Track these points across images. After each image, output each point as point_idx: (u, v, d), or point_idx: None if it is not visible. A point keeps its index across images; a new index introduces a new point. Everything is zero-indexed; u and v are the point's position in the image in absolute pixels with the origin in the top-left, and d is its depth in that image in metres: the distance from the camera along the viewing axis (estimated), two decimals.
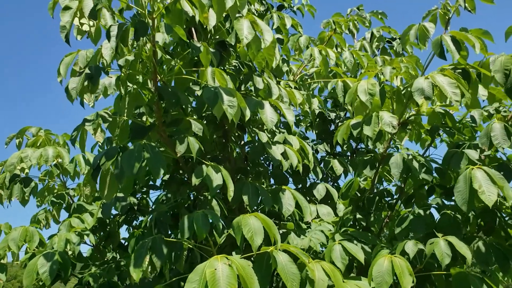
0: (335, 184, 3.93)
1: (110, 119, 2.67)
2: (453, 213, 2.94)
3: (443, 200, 3.12)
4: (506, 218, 3.02)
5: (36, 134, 3.68)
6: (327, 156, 3.89)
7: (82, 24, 2.28)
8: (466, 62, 2.86)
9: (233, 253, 2.81)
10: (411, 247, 2.57)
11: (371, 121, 2.76)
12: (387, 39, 4.28)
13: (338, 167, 3.64)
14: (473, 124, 3.17)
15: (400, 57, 4.09)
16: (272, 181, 3.69)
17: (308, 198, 3.56)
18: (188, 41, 2.62)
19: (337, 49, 4.00)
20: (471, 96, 2.85)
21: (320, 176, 3.62)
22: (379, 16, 4.31)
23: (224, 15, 2.99)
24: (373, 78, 2.97)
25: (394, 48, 4.16)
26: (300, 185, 3.78)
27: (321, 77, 3.82)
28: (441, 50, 2.80)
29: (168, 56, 2.79)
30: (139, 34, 2.29)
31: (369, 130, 2.75)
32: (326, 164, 3.72)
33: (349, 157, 4.07)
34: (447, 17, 3.02)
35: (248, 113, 2.57)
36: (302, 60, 4.01)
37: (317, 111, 3.74)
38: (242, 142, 3.61)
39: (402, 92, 2.94)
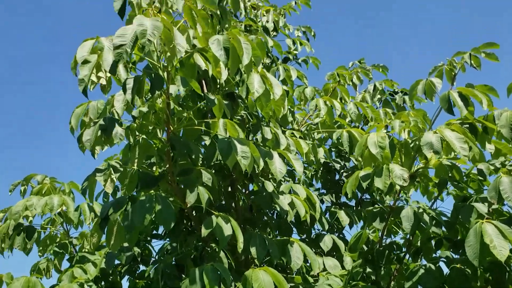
0: (340, 235, 3.89)
1: (121, 169, 2.67)
2: (462, 267, 2.92)
3: (451, 253, 3.10)
4: None
5: (41, 181, 3.66)
6: (333, 206, 3.87)
7: (99, 78, 2.31)
8: (473, 117, 2.91)
9: None
10: None
11: (382, 174, 2.77)
12: (389, 92, 4.36)
13: (344, 218, 3.62)
14: (480, 178, 3.18)
15: (402, 110, 4.17)
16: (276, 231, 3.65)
17: (314, 250, 3.51)
18: (202, 94, 2.66)
19: (341, 100, 4.06)
20: (478, 150, 2.89)
21: (327, 227, 3.59)
22: (381, 70, 4.41)
23: None
24: (381, 131, 3.00)
25: (396, 101, 4.24)
26: (305, 236, 3.74)
27: (325, 127, 3.87)
28: (449, 106, 2.86)
29: (179, 108, 2.82)
30: (155, 88, 2.33)
31: (381, 182, 2.75)
32: (332, 215, 3.70)
33: (354, 208, 4.06)
34: (453, 73, 3.10)
35: (261, 163, 2.59)
36: (306, 110, 4.07)
37: (322, 161, 3.75)
38: (247, 191, 3.60)
39: (411, 145, 2.97)
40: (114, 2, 2.38)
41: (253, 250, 2.78)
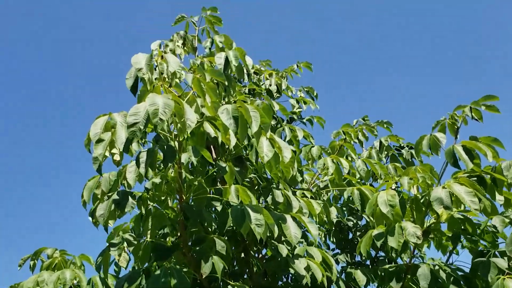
0: None
1: (135, 242, 2.66)
2: None
3: None
4: None
5: (51, 255, 3.62)
6: (348, 266, 3.81)
7: (113, 155, 2.36)
8: (480, 169, 2.94)
9: None
10: None
11: (395, 232, 2.76)
12: (395, 147, 4.41)
13: (361, 278, 3.54)
14: (494, 230, 3.16)
15: (410, 164, 4.20)
16: None
17: None
18: (213, 161, 2.71)
19: (347, 158, 4.10)
20: (488, 201, 2.89)
21: None
22: (385, 126, 4.49)
23: None
24: (391, 188, 3.02)
25: (404, 156, 4.28)
26: None
27: (334, 185, 3.88)
28: (454, 160, 2.90)
29: (191, 176, 2.85)
30: (168, 160, 2.37)
31: (394, 241, 2.74)
32: (348, 275, 3.63)
33: (369, 266, 3.98)
34: (455, 127, 3.16)
35: (276, 230, 2.57)
36: (314, 170, 4.10)
37: (334, 220, 3.73)
38: (260, 256, 3.56)
39: (421, 201, 2.98)
40: (126, 80, 2.48)
41: None
